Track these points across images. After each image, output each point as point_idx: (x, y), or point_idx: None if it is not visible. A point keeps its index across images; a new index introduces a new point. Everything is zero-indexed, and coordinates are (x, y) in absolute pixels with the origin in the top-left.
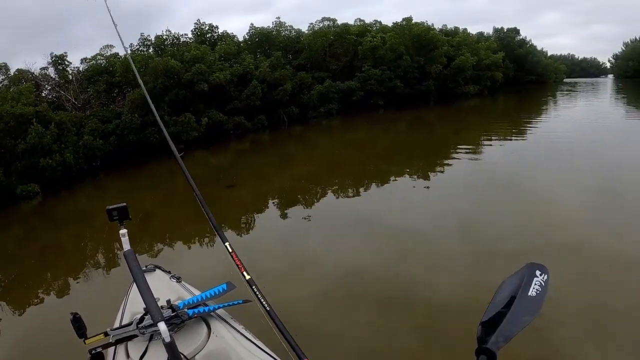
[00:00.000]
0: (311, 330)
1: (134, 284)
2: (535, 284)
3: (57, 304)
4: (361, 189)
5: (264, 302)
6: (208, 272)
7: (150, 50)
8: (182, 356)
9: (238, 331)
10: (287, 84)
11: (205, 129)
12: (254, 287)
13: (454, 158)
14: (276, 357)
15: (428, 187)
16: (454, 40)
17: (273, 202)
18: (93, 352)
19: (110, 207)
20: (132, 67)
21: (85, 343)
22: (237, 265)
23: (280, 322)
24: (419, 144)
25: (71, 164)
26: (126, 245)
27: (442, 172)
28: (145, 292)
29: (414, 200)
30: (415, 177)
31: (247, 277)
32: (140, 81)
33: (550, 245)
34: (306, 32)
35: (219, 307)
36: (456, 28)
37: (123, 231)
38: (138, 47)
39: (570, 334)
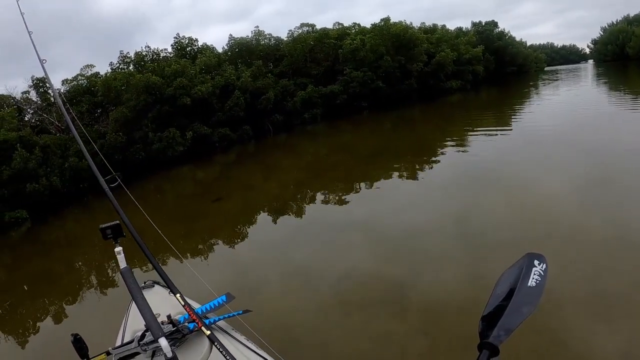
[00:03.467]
0: (308, 340)
1: (134, 301)
2: (535, 274)
3: (56, 327)
4: (350, 193)
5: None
6: (206, 284)
7: (130, 67)
8: None
9: (240, 342)
10: (269, 92)
11: (191, 143)
12: (215, 343)
13: (441, 154)
14: None
15: (417, 186)
16: (433, 37)
17: (262, 213)
18: None
19: (104, 225)
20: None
21: None
22: (195, 320)
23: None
24: (405, 143)
25: (58, 188)
26: (122, 263)
27: (430, 169)
28: (144, 309)
29: (403, 201)
30: (404, 176)
31: (207, 332)
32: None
33: (547, 234)
34: (285, 39)
35: (219, 319)
36: (434, 25)
37: (118, 249)
38: (118, 64)
39: (569, 320)
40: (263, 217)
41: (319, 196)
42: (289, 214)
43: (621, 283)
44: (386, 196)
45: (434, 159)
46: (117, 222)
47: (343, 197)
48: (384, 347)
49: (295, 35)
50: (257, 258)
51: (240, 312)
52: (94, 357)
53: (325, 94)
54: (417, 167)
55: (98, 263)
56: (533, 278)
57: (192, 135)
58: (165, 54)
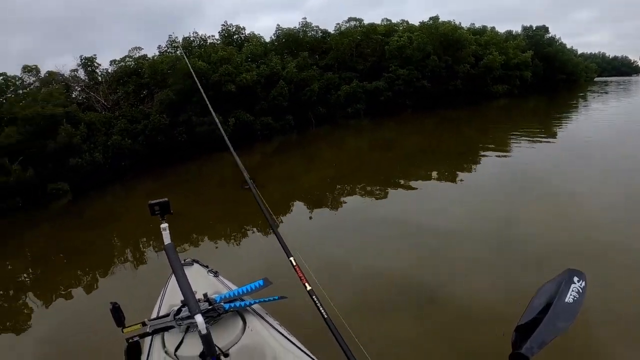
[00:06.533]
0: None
1: (172, 277)
2: (573, 291)
3: (93, 296)
4: (389, 190)
5: (322, 312)
6: (245, 267)
7: (177, 52)
8: (217, 349)
9: (273, 327)
10: (314, 84)
11: (233, 129)
12: (314, 297)
13: (483, 158)
14: (310, 354)
15: (457, 189)
16: (482, 39)
17: (298, 203)
18: (130, 340)
19: (153, 201)
20: (193, 76)
21: (123, 332)
22: (300, 277)
23: (337, 332)
24: (448, 144)
25: (100, 164)
26: (167, 239)
27: (471, 172)
28: (184, 285)
29: (441, 202)
30: (444, 177)
31: (309, 287)
32: (200, 87)
33: (589, 250)
34: (333, 32)
35: (255, 303)
36: (484, 27)
37: (164, 225)
38: (166, 48)
39: (606, 343)
40: (299, 208)
41: (357, 191)
42: (325, 206)
43: None
44: (424, 196)
45: (475, 162)
46: (166, 199)
47: (381, 194)
48: (409, 351)
49: (342, 28)
50: (290, 248)
51: (277, 297)
52: (130, 326)
53: (369, 90)
54: (458, 169)
55: (136, 238)
56: (571, 294)
57: (235, 122)
58: (212, 41)
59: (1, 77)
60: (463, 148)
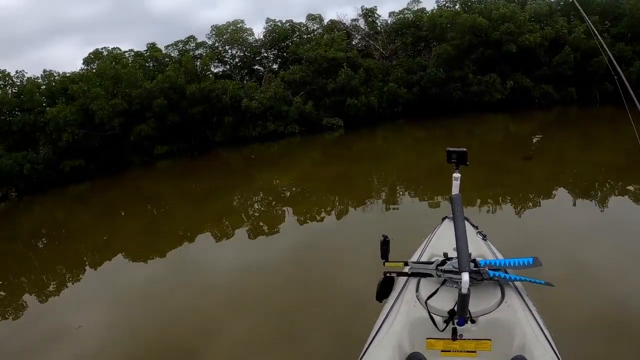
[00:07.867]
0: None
1: (440, 227)
2: None
3: (341, 222)
4: None
5: None
6: (516, 239)
7: (457, 7)
8: (468, 312)
9: (530, 311)
10: (602, 55)
11: (509, 92)
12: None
13: None
14: (558, 354)
15: None
16: None
17: (567, 184)
18: (387, 274)
19: (451, 149)
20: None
21: (384, 265)
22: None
23: None
24: None
25: (374, 107)
26: (455, 190)
27: None
28: (462, 240)
29: None
30: None
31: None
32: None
33: None
34: None
35: (519, 279)
36: None
37: (457, 175)
38: (445, 2)
39: None
40: (564, 191)
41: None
42: (591, 198)
43: None
44: None
45: None
46: (464, 149)
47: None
48: None
49: None
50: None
51: (543, 282)
52: (393, 262)
53: None
54: None
55: (394, 180)
56: None
57: (512, 85)
58: None
59: (287, 24)
60: None
